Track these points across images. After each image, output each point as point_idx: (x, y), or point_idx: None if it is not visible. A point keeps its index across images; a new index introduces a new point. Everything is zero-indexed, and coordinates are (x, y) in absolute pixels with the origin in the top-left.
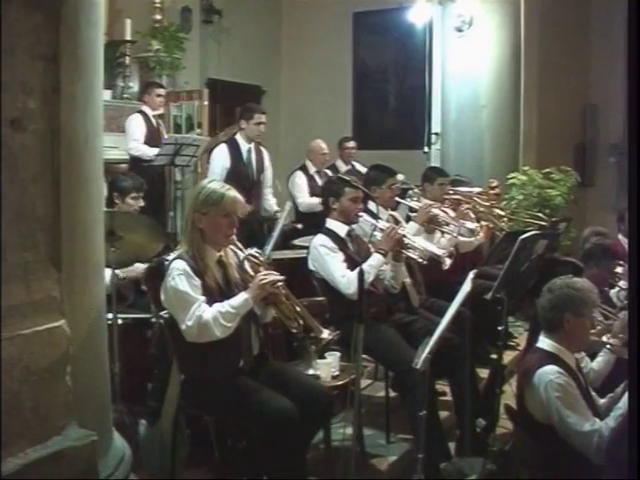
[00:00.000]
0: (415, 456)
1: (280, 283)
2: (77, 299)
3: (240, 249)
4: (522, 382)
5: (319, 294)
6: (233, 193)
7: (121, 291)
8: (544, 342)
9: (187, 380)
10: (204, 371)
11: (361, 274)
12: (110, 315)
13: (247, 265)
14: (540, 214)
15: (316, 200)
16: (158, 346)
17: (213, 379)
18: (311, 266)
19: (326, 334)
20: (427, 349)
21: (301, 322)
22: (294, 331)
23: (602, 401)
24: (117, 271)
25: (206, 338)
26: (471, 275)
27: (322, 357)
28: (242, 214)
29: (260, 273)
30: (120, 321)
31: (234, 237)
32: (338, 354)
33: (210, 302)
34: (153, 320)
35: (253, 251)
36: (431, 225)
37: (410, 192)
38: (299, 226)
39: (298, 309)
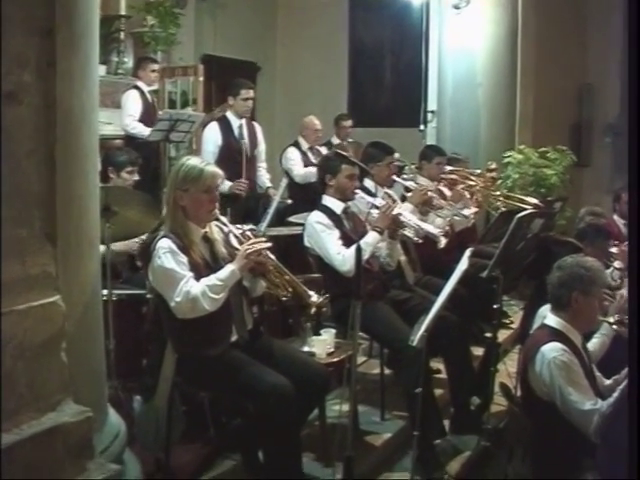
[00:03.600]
0: (410, 433)
1: (266, 251)
2: (72, 275)
3: (224, 224)
4: (526, 357)
5: (314, 271)
6: (212, 168)
7: (115, 267)
8: (551, 319)
9: (182, 357)
10: (197, 348)
11: (358, 250)
12: (105, 291)
13: (233, 239)
14: (531, 198)
15: (312, 169)
16: (153, 322)
17: (207, 355)
18: (307, 243)
19: (315, 297)
20: (423, 327)
21: (290, 289)
22: (284, 299)
23: (607, 382)
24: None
25: (196, 313)
26: (467, 253)
27: (317, 334)
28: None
29: (245, 243)
30: (115, 297)
31: (217, 212)
32: (333, 331)
33: (198, 278)
34: (148, 296)
35: (248, 228)
36: (425, 207)
37: (407, 169)
38: (289, 201)
39: (286, 277)
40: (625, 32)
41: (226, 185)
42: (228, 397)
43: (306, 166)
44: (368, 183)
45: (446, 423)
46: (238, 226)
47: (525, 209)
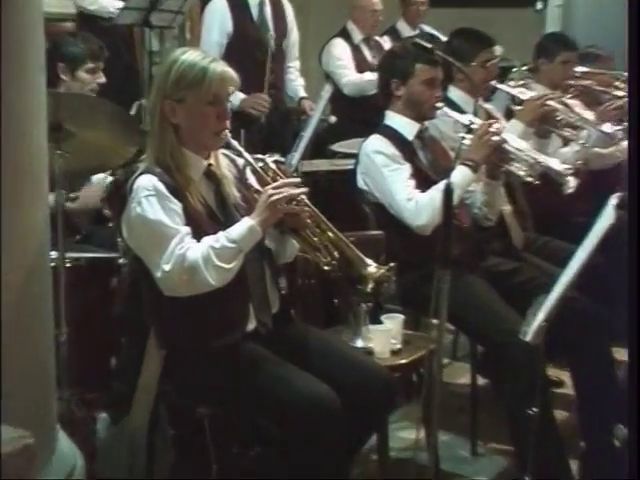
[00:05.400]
0: (517, 478)
1: (301, 196)
2: (7, 228)
3: (239, 152)
4: None
5: (372, 226)
6: (220, 67)
7: (71, 217)
8: None
9: (171, 354)
10: (195, 340)
11: (448, 192)
12: (54, 253)
13: (251, 177)
14: None
15: (370, 76)
16: (128, 301)
17: (210, 351)
18: (361, 183)
19: (373, 267)
20: (541, 314)
21: (336, 254)
22: (326, 268)
23: None
24: None
25: (195, 288)
26: (613, 201)
27: (377, 322)
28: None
29: (270, 185)
30: (69, 263)
31: (227, 134)
32: (401, 317)
33: (198, 235)
34: (120, 262)
35: (272, 160)
36: (545, 126)
37: (515, 72)
38: (332, 119)
39: (330, 235)
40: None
41: (237, 97)
42: (239, 414)
43: (360, 69)
44: (454, 93)
45: (574, 465)
46: (258, 157)
47: None
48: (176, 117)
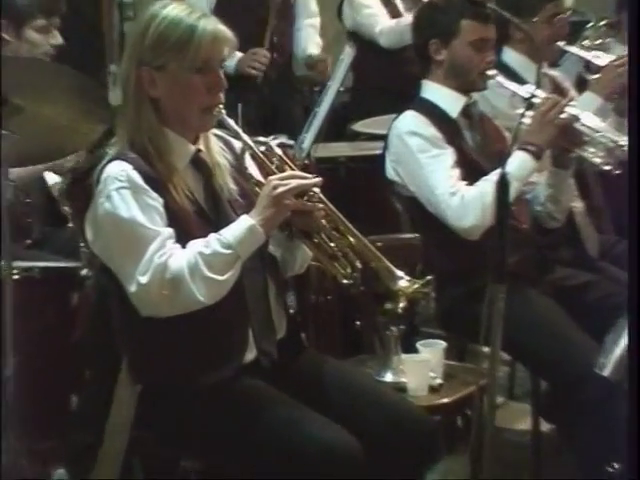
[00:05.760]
0: None
1: (315, 189)
2: None
3: (236, 133)
4: None
5: (405, 227)
6: (212, 24)
7: (21, 216)
8: None
9: (148, 391)
10: (179, 374)
11: (503, 184)
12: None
13: (251, 164)
14: None
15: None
16: (94, 324)
17: (198, 388)
18: (391, 173)
19: (405, 282)
20: (624, 341)
21: (358, 264)
22: (345, 281)
23: None
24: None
25: (178, 307)
26: None
27: (412, 350)
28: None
29: (274, 176)
30: (17, 274)
31: (221, 109)
32: (442, 345)
33: (183, 238)
34: (83, 273)
35: (277, 142)
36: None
37: (589, 30)
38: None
39: (351, 239)
40: None
41: (233, 58)
42: (236, 468)
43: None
44: (511, 57)
45: None
46: (261, 139)
47: None
48: (156, 89)
